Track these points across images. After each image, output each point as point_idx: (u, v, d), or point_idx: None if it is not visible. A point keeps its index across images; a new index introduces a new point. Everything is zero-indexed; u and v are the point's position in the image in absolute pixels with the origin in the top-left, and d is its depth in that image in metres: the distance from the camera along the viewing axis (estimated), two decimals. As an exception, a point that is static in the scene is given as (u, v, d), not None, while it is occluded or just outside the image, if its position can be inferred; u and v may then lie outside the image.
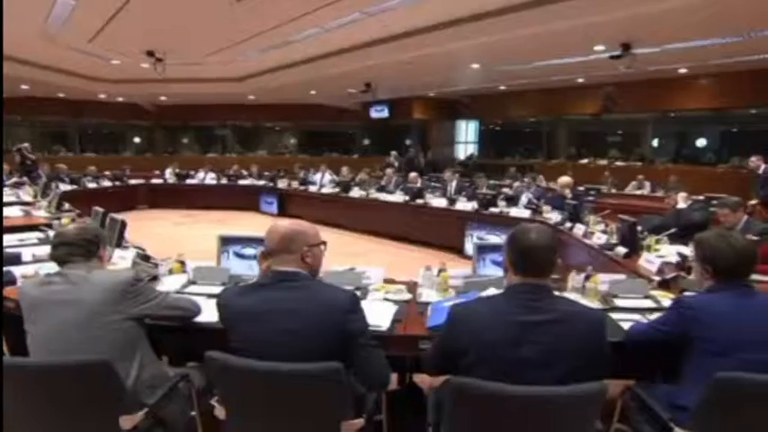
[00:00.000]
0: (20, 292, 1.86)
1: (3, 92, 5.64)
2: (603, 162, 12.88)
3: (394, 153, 14.05)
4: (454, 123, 17.16)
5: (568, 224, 5.20)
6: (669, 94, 11.45)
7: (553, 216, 5.77)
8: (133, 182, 10.97)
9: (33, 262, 3.28)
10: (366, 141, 18.54)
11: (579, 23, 6.94)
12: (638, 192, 10.29)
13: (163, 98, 15.12)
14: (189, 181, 11.21)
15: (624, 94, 12.01)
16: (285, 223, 1.81)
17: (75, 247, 1.86)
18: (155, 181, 11.27)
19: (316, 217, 9.29)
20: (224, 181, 11.19)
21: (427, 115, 16.37)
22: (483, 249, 2.75)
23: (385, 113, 16.03)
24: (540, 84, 12.30)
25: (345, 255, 6.96)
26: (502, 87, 13.59)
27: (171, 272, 2.77)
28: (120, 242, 3.41)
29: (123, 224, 3.43)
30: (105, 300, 1.76)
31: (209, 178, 11.52)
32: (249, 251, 2.83)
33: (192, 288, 2.62)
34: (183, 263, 2.79)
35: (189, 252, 3.03)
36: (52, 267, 3.18)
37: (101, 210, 4.04)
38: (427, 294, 2.60)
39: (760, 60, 8.78)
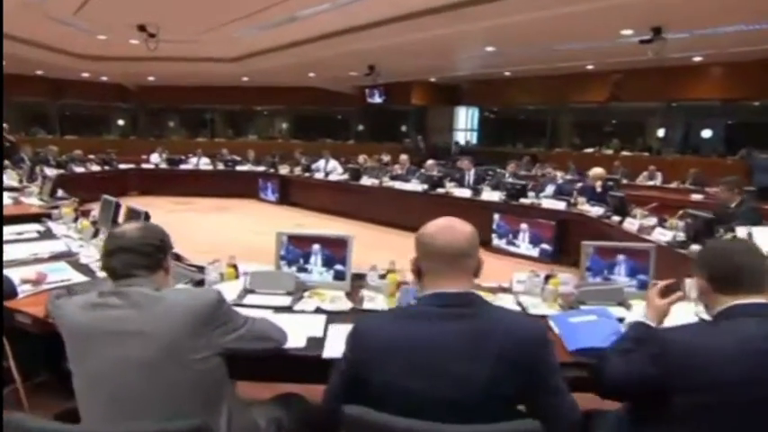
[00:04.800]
0: (61, 317, 1.38)
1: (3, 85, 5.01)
2: (608, 152, 12.64)
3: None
4: (453, 110, 16.74)
5: (616, 218, 4.84)
6: (678, 84, 11.19)
7: (592, 209, 5.42)
8: (123, 167, 10.28)
9: (35, 261, 2.78)
10: (361, 127, 17.99)
11: (606, 5, 6.55)
12: (650, 183, 10.04)
13: (151, 78, 14.31)
14: (182, 166, 10.56)
15: (632, 82, 11.74)
16: (456, 221, 1.34)
17: (139, 256, 1.38)
18: (145, 166, 10.60)
19: (321, 206, 8.86)
20: (220, 166, 10.58)
21: (426, 101, 15.91)
22: (599, 252, 2.33)
23: (382, 98, 15.48)
24: (547, 70, 11.93)
25: (366, 247, 6.49)
26: (507, 73, 13.21)
27: (222, 278, 2.29)
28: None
29: (147, 217, 2.92)
30: (185, 330, 1.29)
31: (203, 163, 10.91)
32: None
33: (249, 299, 2.16)
34: (235, 267, 2.32)
35: (204, 245, 2.60)
36: (60, 269, 2.70)
37: (112, 198, 3.51)
38: (532, 304, 2.19)
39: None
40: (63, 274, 2.56)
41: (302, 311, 2.03)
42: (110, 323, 1.29)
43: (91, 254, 2.87)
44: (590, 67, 11.58)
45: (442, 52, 10.24)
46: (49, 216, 3.95)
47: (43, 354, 2.53)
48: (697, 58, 10.06)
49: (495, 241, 6.17)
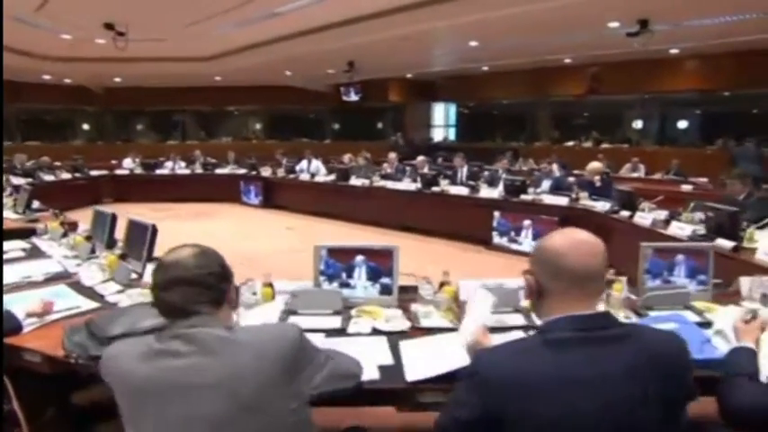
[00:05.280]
0: (113, 369, 1.14)
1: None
2: (588, 144, 12.76)
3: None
4: (430, 106, 16.64)
5: (625, 213, 4.77)
6: (654, 76, 11.36)
7: (596, 204, 5.35)
8: (95, 173, 9.74)
9: (29, 285, 2.47)
10: (336, 126, 17.69)
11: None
12: (634, 174, 10.14)
13: (117, 80, 13.66)
14: (158, 171, 10.09)
15: (609, 75, 11.88)
16: (584, 234, 1.15)
17: (201, 289, 1.15)
18: (119, 172, 10.07)
19: (308, 208, 8.58)
20: (198, 170, 10.15)
21: (403, 98, 15.76)
22: (659, 253, 2.19)
23: (358, 96, 15.24)
24: (525, 64, 11.94)
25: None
26: (485, 68, 13.16)
27: (257, 299, 2.05)
28: (151, 256, 2.63)
29: (154, 231, 2.64)
30: (271, 378, 1.07)
31: (179, 168, 10.44)
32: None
33: (293, 321, 1.93)
34: (271, 285, 2.08)
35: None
36: (62, 293, 2.40)
37: (108, 211, 3.20)
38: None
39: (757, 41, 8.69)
40: (68, 299, 2.27)
41: (358, 334, 1.82)
42: (177, 375, 1.06)
43: (93, 275, 2.57)
44: (568, 60, 11.64)
45: (425, 47, 10.12)
46: (33, 231, 3.59)
47: (50, 388, 2.25)
48: (674, 51, 10.20)
49: (496, 239, 6.06)
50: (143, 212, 8.82)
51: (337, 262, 2.11)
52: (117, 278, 2.45)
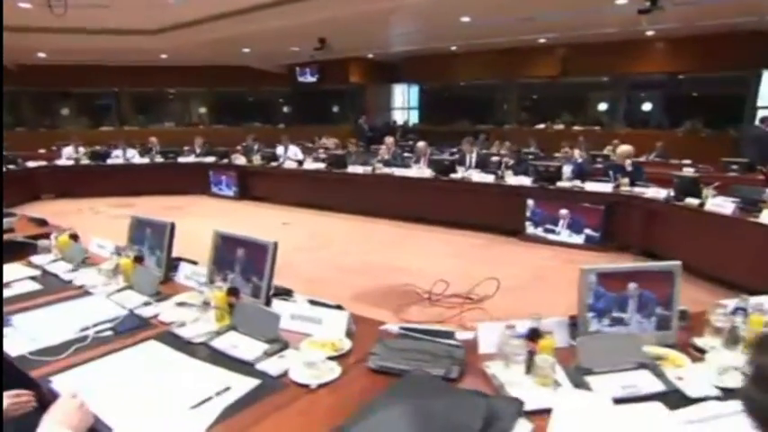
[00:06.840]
0: None
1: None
2: (560, 127, 12.71)
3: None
4: (392, 88, 15.98)
5: (692, 200, 4.45)
6: (622, 58, 11.43)
7: (647, 191, 5.02)
8: (32, 164, 8.22)
9: (99, 344, 1.65)
10: (286, 109, 16.58)
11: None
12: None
13: (41, 55, 11.74)
14: (109, 161, 8.71)
15: (580, 56, 11.84)
16: None
17: None
18: (60, 163, 8.56)
19: (294, 199, 7.73)
20: (159, 159, 8.87)
21: (364, 79, 14.96)
22: None
23: (315, 77, 14.31)
24: (497, 45, 11.61)
25: (380, 244, 5.68)
26: (453, 48, 12.68)
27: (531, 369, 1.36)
28: (270, 287, 1.84)
29: (275, 251, 1.85)
30: None
31: (130, 156, 9.07)
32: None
33: (600, 390, 1.30)
34: (545, 335, 1.41)
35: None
36: (170, 359, 1.55)
37: (167, 221, 2.35)
38: None
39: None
40: (180, 370, 1.47)
41: (704, 397, 1.22)
42: None
43: (189, 320, 1.75)
44: (542, 40, 11.42)
45: (409, 23, 9.44)
46: (29, 248, 2.63)
47: None
48: (649, 33, 10.23)
49: (530, 229, 5.63)
50: (101, 208, 7.57)
51: (609, 291, 1.49)
52: (244, 329, 1.66)
